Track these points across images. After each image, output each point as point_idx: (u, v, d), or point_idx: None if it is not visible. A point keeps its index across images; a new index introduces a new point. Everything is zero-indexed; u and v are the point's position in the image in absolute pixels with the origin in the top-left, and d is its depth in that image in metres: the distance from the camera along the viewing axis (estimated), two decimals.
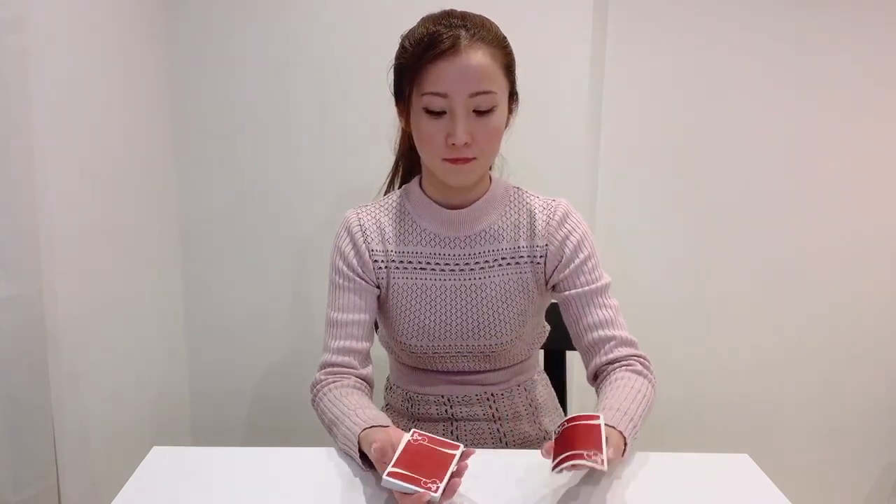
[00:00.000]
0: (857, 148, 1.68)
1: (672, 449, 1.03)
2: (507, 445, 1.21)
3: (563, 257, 1.13)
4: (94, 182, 1.35)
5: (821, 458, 1.83)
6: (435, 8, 1.07)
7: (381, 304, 1.17)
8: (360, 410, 0.99)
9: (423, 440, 0.89)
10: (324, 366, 1.11)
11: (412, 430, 0.91)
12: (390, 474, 0.83)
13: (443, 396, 1.19)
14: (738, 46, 1.63)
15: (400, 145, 1.23)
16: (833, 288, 1.74)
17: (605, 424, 0.90)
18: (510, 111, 1.09)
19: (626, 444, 0.93)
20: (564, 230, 1.13)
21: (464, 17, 1.03)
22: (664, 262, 1.74)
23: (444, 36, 0.99)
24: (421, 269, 1.14)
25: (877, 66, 1.64)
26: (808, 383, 1.79)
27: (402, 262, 1.14)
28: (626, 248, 1.72)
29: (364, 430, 0.94)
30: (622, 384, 1.04)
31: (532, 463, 0.98)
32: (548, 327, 1.27)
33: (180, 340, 1.76)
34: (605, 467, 0.82)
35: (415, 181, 1.18)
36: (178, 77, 1.63)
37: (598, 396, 1.07)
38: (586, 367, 1.13)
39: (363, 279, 1.13)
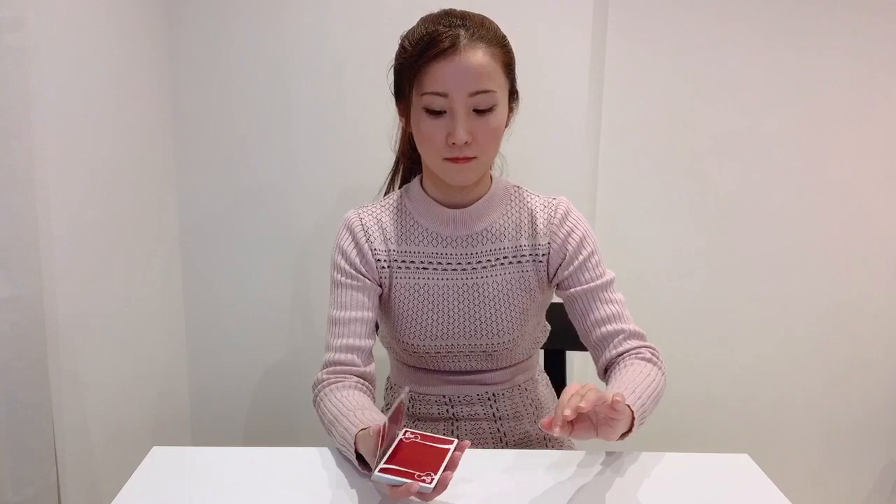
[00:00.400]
0: (859, 148, 1.68)
1: (672, 449, 1.03)
2: (507, 445, 1.21)
3: (566, 255, 1.13)
4: (94, 182, 1.35)
5: (821, 458, 1.83)
6: (435, 8, 1.07)
7: (383, 303, 1.17)
8: (359, 412, 0.99)
9: (416, 437, 0.89)
10: (326, 364, 1.10)
11: (404, 429, 0.91)
12: (382, 470, 0.82)
13: (444, 396, 1.19)
14: (739, 46, 1.63)
15: (400, 145, 1.23)
16: (833, 288, 1.74)
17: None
18: (510, 110, 1.09)
19: (633, 420, 0.92)
20: (566, 228, 1.14)
21: (463, 16, 1.04)
22: (664, 263, 1.74)
23: (444, 35, 1.00)
24: (423, 268, 1.14)
25: (879, 65, 1.64)
26: (809, 383, 1.79)
27: (403, 261, 1.14)
28: (626, 248, 1.71)
29: (360, 431, 0.94)
30: (631, 370, 1.04)
31: (532, 463, 0.98)
32: (548, 326, 1.27)
33: (180, 340, 1.76)
34: (432, 486, 0.81)
35: (415, 181, 1.18)
36: (178, 77, 1.63)
37: (607, 387, 1.06)
38: (596, 363, 1.13)
39: (365, 277, 1.13)
